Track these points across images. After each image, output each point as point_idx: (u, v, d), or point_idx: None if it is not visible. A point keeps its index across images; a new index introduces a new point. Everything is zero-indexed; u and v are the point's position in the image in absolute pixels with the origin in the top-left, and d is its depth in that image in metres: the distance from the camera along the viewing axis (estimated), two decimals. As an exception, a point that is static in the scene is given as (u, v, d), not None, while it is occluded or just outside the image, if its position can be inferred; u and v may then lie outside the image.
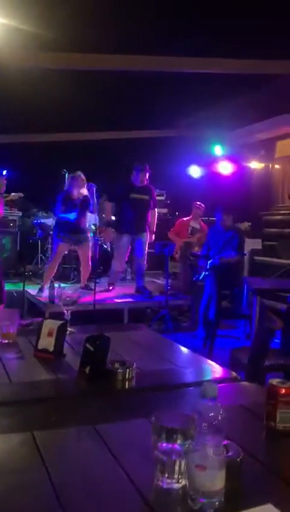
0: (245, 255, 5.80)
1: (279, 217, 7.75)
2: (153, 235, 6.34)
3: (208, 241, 5.50)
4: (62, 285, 5.27)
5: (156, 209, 6.38)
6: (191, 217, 6.83)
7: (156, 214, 6.45)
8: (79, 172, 6.07)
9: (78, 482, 1.00)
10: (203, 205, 6.86)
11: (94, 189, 6.46)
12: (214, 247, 5.36)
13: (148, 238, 6.24)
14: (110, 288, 6.31)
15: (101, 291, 5.93)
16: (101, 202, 7.29)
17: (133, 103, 6.28)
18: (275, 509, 0.92)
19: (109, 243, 7.48)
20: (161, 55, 4.70)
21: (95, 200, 6.59)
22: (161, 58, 4.75)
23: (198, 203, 6.86)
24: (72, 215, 5.87)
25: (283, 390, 1.21)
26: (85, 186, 6.07)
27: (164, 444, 0.99)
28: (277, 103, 6.88)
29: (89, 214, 7.26)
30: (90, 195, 6.32)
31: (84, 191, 6.09)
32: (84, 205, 5.98)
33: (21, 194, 6.73)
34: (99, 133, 7.75)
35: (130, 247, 6.25)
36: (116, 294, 6.23)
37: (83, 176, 6.03)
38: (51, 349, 1.87)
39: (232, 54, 4.66)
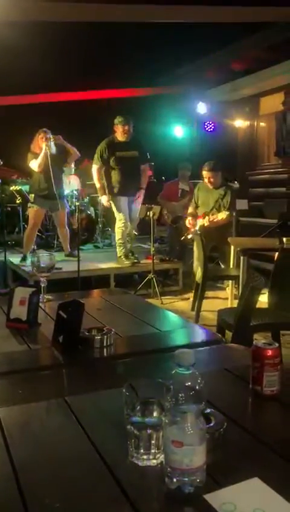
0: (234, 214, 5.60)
1: (265, 176, 7.62)
2: (142, 194, 5.67)
3: (196, 201, 5.33)
4: (44, 253, 5.07)
5: (147, 165, 5.77)
6: (178, 178, 6.63)
7: (147, 169, 5.84)
8: (41, 130, 5.57)
9: (42, 462, 0.89)
10: (189, 166, 6.60)
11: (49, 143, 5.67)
12: (202, 206, 5.20)
13: (140, 202, 5.68)
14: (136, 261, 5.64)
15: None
16: (84, 167, 6.96)
17: (109, 59, 5.93)
18: (262, 484, 0.83)
19: (92, 208, 7.27)
20: (139, 3, 4.39)
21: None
22: (139, 6, 4.44)
23: (183, 164, 6.63)
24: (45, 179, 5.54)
25: (269, 352, 1.11)
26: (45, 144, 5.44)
27: (137, 417, 0.89)
28: (262, 55, 6.62)
29: (72, 179, 7.01)
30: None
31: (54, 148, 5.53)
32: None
33: (0, 162, 6.43)
34: (75, 93, 7.42)
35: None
36: (102, 260, 6.10)
37: (42, 134, 5.50)
38: (24, 318, 1.75)
39: (216, 1, 4.37)
